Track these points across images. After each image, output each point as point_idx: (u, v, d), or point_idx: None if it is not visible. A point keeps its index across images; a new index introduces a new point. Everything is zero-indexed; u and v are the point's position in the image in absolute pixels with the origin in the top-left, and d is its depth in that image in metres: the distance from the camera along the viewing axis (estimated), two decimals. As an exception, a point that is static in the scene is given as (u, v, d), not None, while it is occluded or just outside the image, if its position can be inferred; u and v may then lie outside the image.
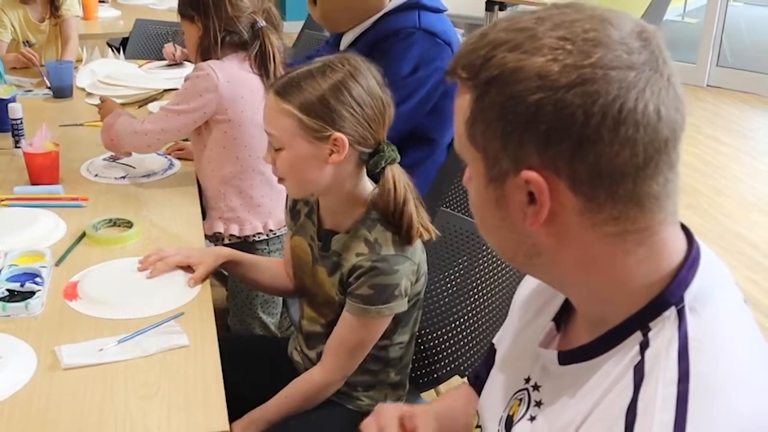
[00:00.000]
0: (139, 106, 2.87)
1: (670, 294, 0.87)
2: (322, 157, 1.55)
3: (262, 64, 2.19)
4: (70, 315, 1.60)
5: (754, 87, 6.41)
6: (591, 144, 0.80)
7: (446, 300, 1.94)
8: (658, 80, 0.82)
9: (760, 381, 0.84)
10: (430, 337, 1.95)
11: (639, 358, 0.86)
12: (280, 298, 2.34)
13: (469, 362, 1.87)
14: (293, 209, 1.79)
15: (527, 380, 1.05)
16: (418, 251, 1.64)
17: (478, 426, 1.18)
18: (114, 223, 1.96)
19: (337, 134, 1.52)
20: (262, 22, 2.19)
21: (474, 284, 1.90)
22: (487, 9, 5.57)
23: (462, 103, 0.88)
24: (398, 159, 1.61)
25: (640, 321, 0.88)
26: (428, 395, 2.03)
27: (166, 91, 2.99)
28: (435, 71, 2.44)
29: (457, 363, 1.90)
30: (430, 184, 2.58)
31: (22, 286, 1.65)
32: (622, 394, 0.84)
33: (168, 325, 1.56)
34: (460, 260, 1.93)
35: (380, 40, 2.47)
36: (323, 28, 3.15)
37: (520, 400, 1.05)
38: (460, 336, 1.91)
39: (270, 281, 1.90)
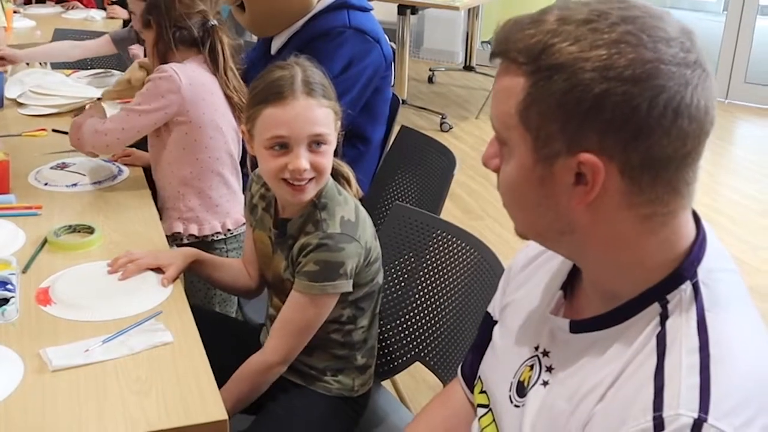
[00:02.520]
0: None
1: (684, 270, 0.97)
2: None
3: (213, 63, 2.24)
4: (47, 320, 1.61)
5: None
6: (648, 133, 0.89)
7: (402, 288, 2.01)
8: (706, 78, 0.91)
9: None
10: (389, 326, 2.02)
11: (660, 328, 0.95)
12: (236, 298, 2.37)
13: (428, 348, 1.94)
14: (251, 205, 1.86)
15: (536, 348, 1.13)
16: (366, 235, 1.72)
17: (483, 391, 1.25)
18: (74, 229, 1.96)
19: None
20: (213, 21, 2.24)
21: (427, 272, 1.98)
22: (399, 13, 5.69)
23: (512, 85, 0.95)
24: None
25: (658, 294, 0.97)
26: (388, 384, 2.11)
27: (98, 99, 2.97)
28: (366, 68, 2.50)
29: (417, 350, 1.97)
30: (369, 182, 2.65)
31: (-6, 293, 1.65)
32: (648, 361, 0.93)
33: (149, 323, 1.59)
34: (412, 249, 2.01)
35: (311, 40, 2.52)
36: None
37: (531, 366, 1.12)
38: (418, 324, 1.98)
39: (232, 280, 1.95)
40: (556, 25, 0.92)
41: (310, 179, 1.65)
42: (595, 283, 1.05)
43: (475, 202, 4.37)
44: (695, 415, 0.86)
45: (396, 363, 2.02)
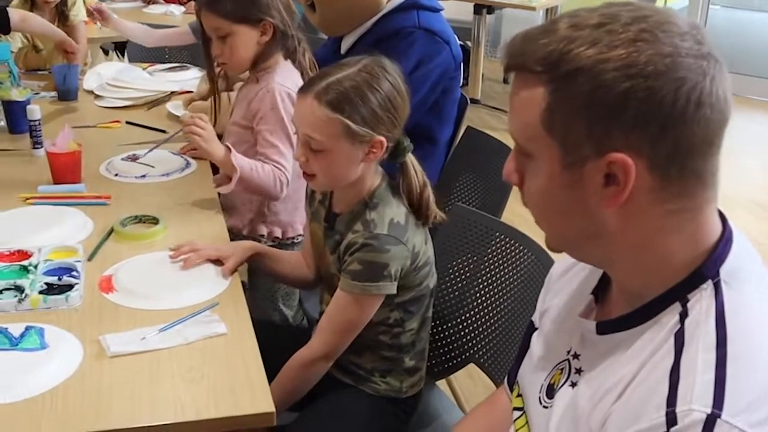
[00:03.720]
0: (148, 108, 2.93)
1: (706, 269, 0.96)
2: (360, 156, 1.65)
3: (303, 70, 2.26)
4: (108, 307, 1.66)
5: (735, 89, 6.52)
6: (674, 125, 0.90)
7: (459, 290, 2.01)
8: (721, 68, 0.93)
9: None
10: (444, 327, 2.02)
11: (679, 326, 0.95)
12: (298, 291, 2.41)
13: (483, 350, 1.94)
14: (311, 197, 1.89)
15: (569, 351, 1.13)
16: (417, 239, 1.72)
17: (519, 395, 1.26)
18: (140, 219, 2.02)
19: (378, 137, 1.62)
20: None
21: (485, 274, 1.98)
22: (475, 12, 5.67)
23: (533, 96, 0.95)
24: (412, 147, 1.72)
25: (680, 293, 0.97)
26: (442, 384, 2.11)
27: (173, 93, 3.05)
28: (435, 69, 2.49)
29: (471, 351, 1.97)
30: (435, 182, 2.65)
31: (59, 279, 1.71)
32: (665, 358, 0.93)
33: (205, 314, 1.63)
34: (471, 251, 2.01)
35: (381, 40, 2.52)
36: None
37: (561, 369, 1.13)
38: (474, 325, 1.98)
39: (291, 272, 1.98)
40: (569, 32, 0.93)
41: (312, 175, 1.69)
42: (623, 285, 1.05)
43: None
44: (708, 410, 0.85)
45: (450, 363, 2.03)
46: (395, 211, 1.70)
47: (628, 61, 0.89)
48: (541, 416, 1.14)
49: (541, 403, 1.15)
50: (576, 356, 1.11)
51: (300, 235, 2.35)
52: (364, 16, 2.56)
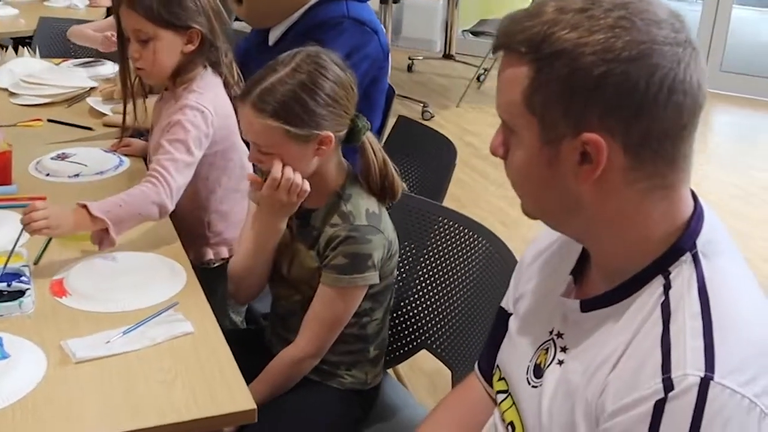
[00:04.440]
0: (69, 105, 2.84)
1: (684, 242, 1.03)
2: (311, 152, 1.64)
3: (223, 76, 2.14)
4: (63, 311, 1.62)
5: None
6: (647, 110, 0.95)
7: (404, 276, 2.03)
8: (697, 56, 0.98)
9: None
10: (393, 315, 2.03)
11: (663, 297, 1.01)
12: None
13: (435, 336, 1.96)
14: None
15: (551, 332, 1.18)
16: (389, 228, 1.74)
17: (501, 378, 1.29)
18: (82, 220, 1.95)
19: (324, 133, 1.62)
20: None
21: (428, 259, 2.00)
22: (381, 2, 5.70)
23: (516, 74, 1.00)
24: (369, 126, 1.73)
25: (661, 266, 1.03)
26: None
27: (92, 89, 2.96)
28: (365, 59, 2.49)
29: (423, 338, 1.99)
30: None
31: (9, 285, 1.64)
32: (654, 328, 0.99)
33: (168, 314, 1.60)
34: (412, 237, 2.03)
35: (310, 31, 2.50)
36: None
37: (546, 349, 1.18)
38: (424, 312, 2.00)
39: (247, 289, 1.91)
40: (554, 15, 0.97)
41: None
42: (602, 262, 1.10)
43: (461, 191, 4.39)
44: (701, 374, 0.91)
45: (401, 351, 2.05)
46: (368, 200, 1.71)
47: (606, 45, 0.94)
48: (531, 396, 1.17)
49: (529, 383, 1.19)
50: (560, 335, 1.16)
51: None
52: (293, 6, 2.54)
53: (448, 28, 7.08)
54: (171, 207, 1.91)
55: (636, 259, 1.04)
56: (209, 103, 2.04)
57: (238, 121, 1.93)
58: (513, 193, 1.10)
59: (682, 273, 1.01)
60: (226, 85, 2.15)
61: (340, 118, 1.65)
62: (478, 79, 6.37)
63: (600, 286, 1.10)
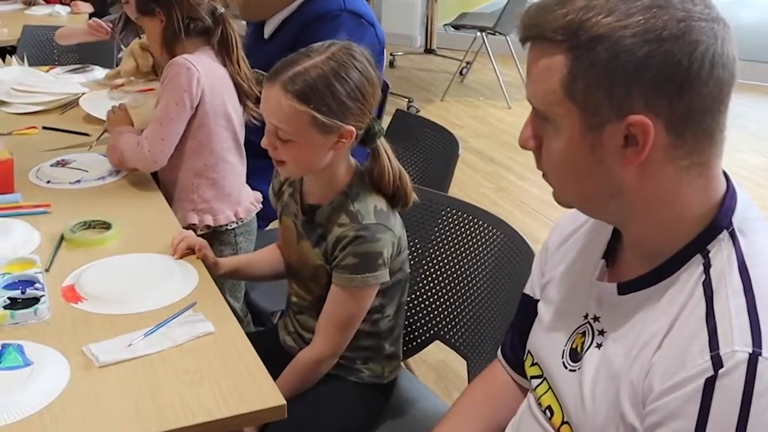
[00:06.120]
0: (62, 112, 2.82)
1: (720, 220, 1.03)
2: (329, 145, 1.63)
3: (224, 52, 2.22)
4: (79, 316, 1.60)
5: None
6: (690, 86, 0.96)
7: (413, 267, 2.03)
8: (729, 30, 0.99)
9: None
10: (407, 306, 2.03)
11: (704, 276, 1.01)
12: (243, 282, 2.37)
13: (448, 327, 1.97)
14: (278, 191, 1.85)
15: (586, 316, 1.18)
16: (398, 224, 1.73)
17: (534, 363, 1.29)
18: (89, 225, 1.94)
19: (348, 127, 1.60)
20: (221, 8, 2.22)
21: (437, 249, 2.00)
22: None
23: (552, 64, 1.00)
24: (384, 131, 1.71)
25: (699, 245, 1.03)
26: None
27: (84, 95, 2.94)
28: None
29: (436, 329, 2.00)
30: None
31: (23, 293, 1.63)
32: (697, 307, 0.99)
33: (188, 314, 1.59)
34: (419, 227, 2.03)
35: (307, 23, 2.51)
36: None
37: (583, 333, 1.17)
38: (438, 302, 2.00)
39: (271, 271, 1.95)
40: (586, 1, 0.97)
41: (281, 161, 1.66)
42: (639, 244, 1.10)
43: (452, 185, 4.39)
44: (750, 350, 0.92)
45: (414, 343, 2.05)
46: (375, 198, 1.69)
47: (646, 26, 0.94)
48: (570, 379, 1.17)
49: (566, 367, 1.18)
50: (596, 319, 1.16)
51: (232, 221, 2.31)
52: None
53: (429, 23, 7.09)
54: (152, 158, 2.16)
55: (674, 239, 1.04)
56: (197, 62, 2.15)
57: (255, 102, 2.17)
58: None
59: (721, 251, 1.02)
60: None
61: (363, 116, 1.63)
62: (460, 72, 6.38)
63: (636, 269, 1.10)
